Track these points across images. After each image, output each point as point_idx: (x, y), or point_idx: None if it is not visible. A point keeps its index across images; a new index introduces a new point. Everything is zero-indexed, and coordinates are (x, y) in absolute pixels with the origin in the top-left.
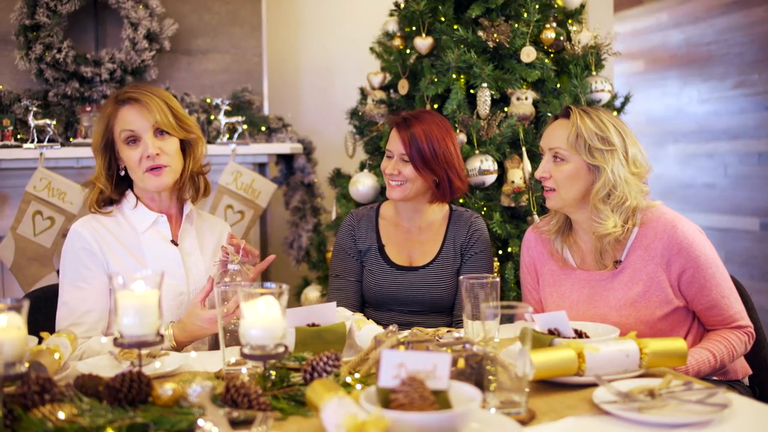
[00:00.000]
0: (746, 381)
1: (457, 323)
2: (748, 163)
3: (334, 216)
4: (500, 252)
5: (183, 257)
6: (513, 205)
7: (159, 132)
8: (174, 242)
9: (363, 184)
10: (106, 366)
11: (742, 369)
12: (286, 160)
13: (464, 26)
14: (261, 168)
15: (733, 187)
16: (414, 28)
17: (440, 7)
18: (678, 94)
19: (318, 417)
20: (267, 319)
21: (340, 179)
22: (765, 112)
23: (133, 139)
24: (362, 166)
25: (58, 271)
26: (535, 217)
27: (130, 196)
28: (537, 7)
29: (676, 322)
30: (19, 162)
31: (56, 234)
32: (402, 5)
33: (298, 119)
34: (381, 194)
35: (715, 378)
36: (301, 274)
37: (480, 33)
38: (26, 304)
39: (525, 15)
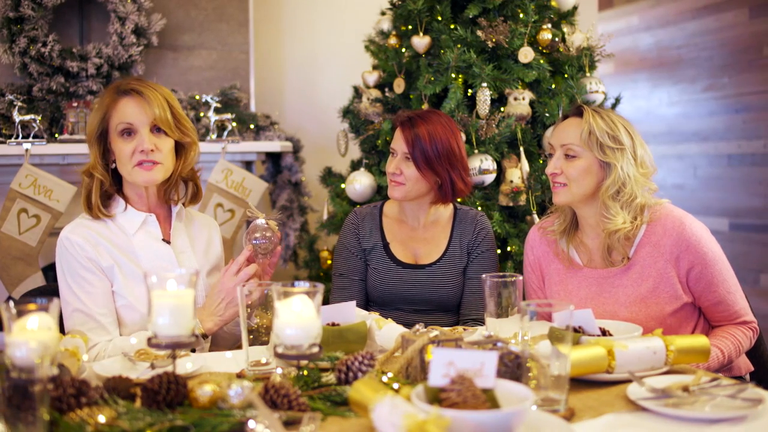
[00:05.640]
0: (747, 377)
1: (464, 321)
2: (717, 165)
3: (326, 215)
4: (499, 251)
5: (176, 255)
6: (511, 204)
7: (156, 129)
8: (166, 241)
9: (360, 183)
10: (122, 368)
11: (745, 365)
12: (273, 158)
13: (462, 26)
14: (247, 166)
15: (703, 188)
16: (410, 27)
17: (437, 7)
18: (648, 96)
19: (362, 417)
20: (302, 318)
21: (331, 178)
22: (734, 114)
23: (129, 132)
24: (353, 165)
25: (43, 270)
26: (535, 216)
27: (119, 200)
28: (533, 8)
29: (684, 318)
30: (3, 158)
31: (42, 232)
32: (397, 3)
33: (284, 117)
34: (378, 193)
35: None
36: (290, 273)
37: (479, 33)
38: (56, 303)
39: (522, 15)
